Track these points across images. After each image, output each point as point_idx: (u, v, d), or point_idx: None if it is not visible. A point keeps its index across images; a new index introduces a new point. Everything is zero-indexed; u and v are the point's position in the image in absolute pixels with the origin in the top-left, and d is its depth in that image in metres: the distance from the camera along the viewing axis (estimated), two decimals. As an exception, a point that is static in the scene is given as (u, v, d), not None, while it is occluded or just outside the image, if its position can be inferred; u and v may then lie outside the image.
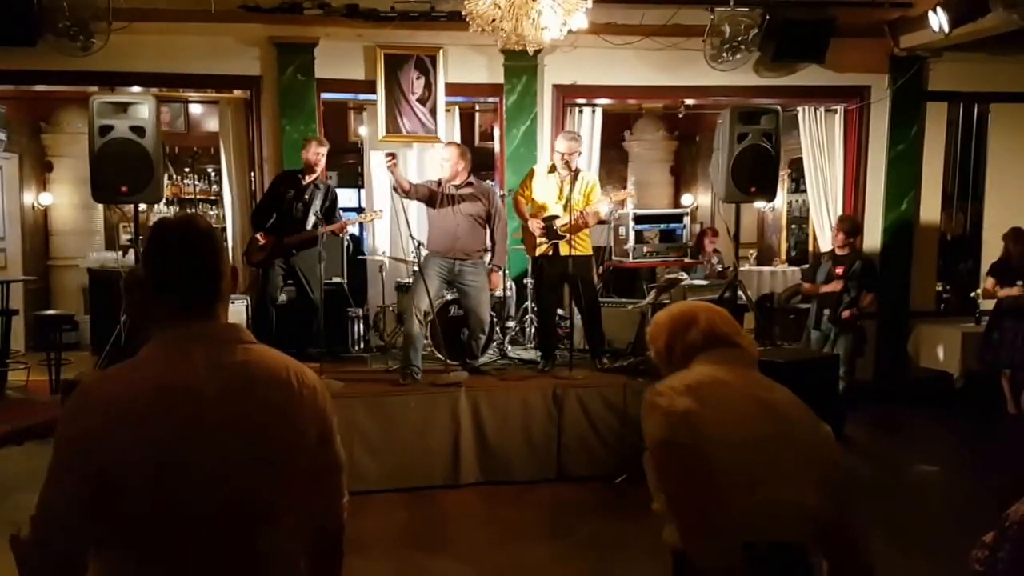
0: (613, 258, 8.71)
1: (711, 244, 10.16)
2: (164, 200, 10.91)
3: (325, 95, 7.71)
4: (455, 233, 6.15)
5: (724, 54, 7.67)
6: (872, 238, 8.35)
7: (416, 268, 6.37)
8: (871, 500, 5.78)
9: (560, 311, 7.14)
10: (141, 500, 1.60)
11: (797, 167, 9.95)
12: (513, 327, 7.43)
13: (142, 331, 1.80)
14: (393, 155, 6.05)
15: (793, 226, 11.93)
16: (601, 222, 7.12)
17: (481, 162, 10.88)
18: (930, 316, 8.46)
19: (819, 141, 8.40)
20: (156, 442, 1.61)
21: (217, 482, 1.65)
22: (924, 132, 8.35)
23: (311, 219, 6.69)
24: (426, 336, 6.79)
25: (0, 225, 9.83)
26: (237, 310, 7.70)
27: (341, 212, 7.15)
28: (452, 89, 7.77)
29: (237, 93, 7.87)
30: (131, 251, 8.96)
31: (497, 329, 6.99)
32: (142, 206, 6.89)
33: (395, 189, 6.16)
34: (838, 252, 7.17)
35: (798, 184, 10.82)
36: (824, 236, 8.44)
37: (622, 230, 8.89)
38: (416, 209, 7.42)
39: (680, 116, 10.55)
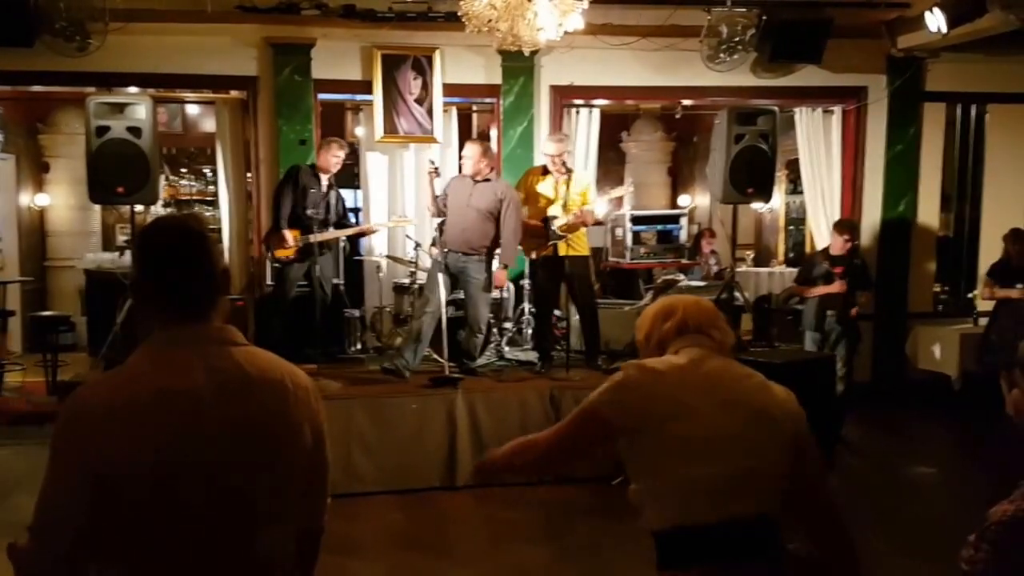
0: (610, 259, 8.72)
1: (708, 245, 10.15)
2: (161, 201, 10.90)
3: (322, 95, 7.70)
4: (462, 225, 6.18)
5: (721, 55, 7.66)
6: (870, 239, 8.35)
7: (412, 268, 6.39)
8: (869, 501, 5.78)
9: (557, 312, 7.14)
10: (141, 505, 1.59)
11: (794, 168, 9.94)
12: (510, 328, 7.42)
13: (139, 334, 1.79)
14: (436, 168, 6.29)
15: (791, 227, 11.93)
16: (597, 223, 7.12)
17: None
18: (928, 317, 8.46)
19: (816, 142, 8.39)
20: (155, 446, 1.60)
21: (218, 484, 1.64)
22: (922, 133, 8.35)
23: (332, 219, 6.80)
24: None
25: (-4, 226, 9.81)
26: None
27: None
28: (449, 90, 7.76)
29: (234, 94, 7.87)
30: (128, 252, 8.94)
31: (495, 330, 6.98)
32: (139, 207, 6.87)
33: (433, 202, 6.30)
34: (834, 253, 7.14)
35: (795, 185, 10.82)
36: (822, 237, 8.43)
37: (619, 231, 8.89)
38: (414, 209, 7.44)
39: (677, 117, 10.55)
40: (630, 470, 2.11)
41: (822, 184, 8.39)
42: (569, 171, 6.39)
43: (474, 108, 10.01)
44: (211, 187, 12.03)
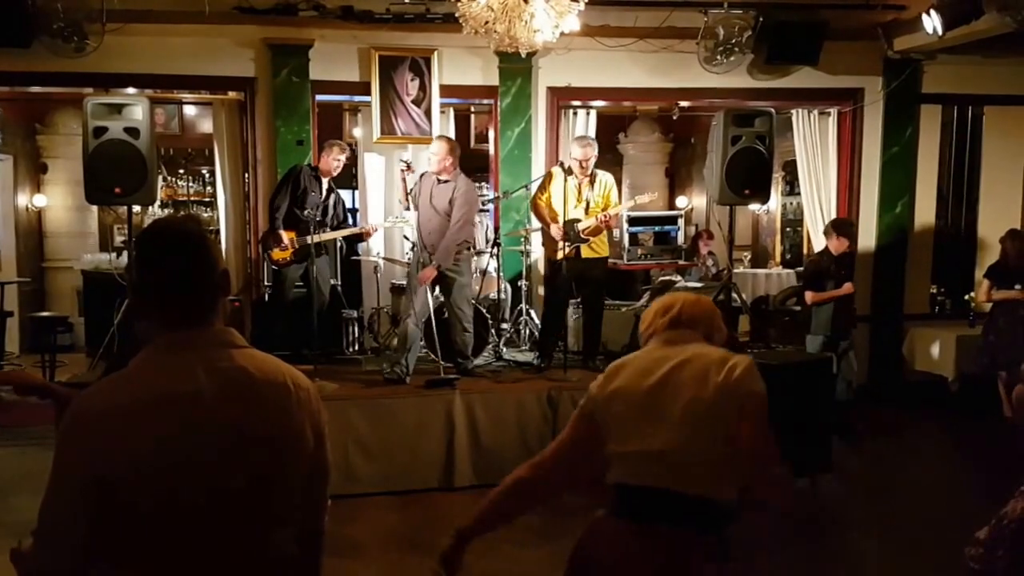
0: (608, 260, 8.71)
1: (706, 246, 10.16)
2: (158, 202, 10.90)
3: (320, 97, 7.70)
4: (428, 227, 6.19)
5: (718, 56, 7.67)
6: (866, 241, 8.36)
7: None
8: (866, 502, 5.80)
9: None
10: (145, 508, 1.59)
11: (791, 170, 9.97)
12: (508, 329, 7.43)
13: (140, 337, 1.80)
14: (408, 164, 6.40)
15: (787, 229, 11.95)
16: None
17: (476, 164, 10.93)
18: (925, 319, 8.47)
19: (813, 143, 8.40)
20: (159, 449, 1.60)
21: (221, 487, 1.64)
22: (918, 135, 8.36)
23: (330, 221, 6.80)
24: (420, 339, 6.79)
25: (-6, 227, 9.80)
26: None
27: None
28: (447, 91, 7.77)
29: (231, 95, 7.87)
30: (125, 253, 8.94)
31: (492, 331, 6.98)
32: (136, 208, 6.87)
33: (406, 198, 6.39)
34: (836, 252, 7.12)
35: (792, 187, 10.85)
36: (818, 238, 8.44)
37: (617, 232, 8.90)
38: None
39: (675, 118, 10.56)
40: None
41: (819, 186, 8.41)
42: (591, 174, 6.43)
43: (472, 109, 10.03)
44: (209, 188, 12.03)
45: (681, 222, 9.01)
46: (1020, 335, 7.24)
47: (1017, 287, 7.15)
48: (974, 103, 8.69)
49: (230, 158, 8.25)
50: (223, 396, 1.67)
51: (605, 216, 6.37)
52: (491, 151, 8.39)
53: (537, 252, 7.79)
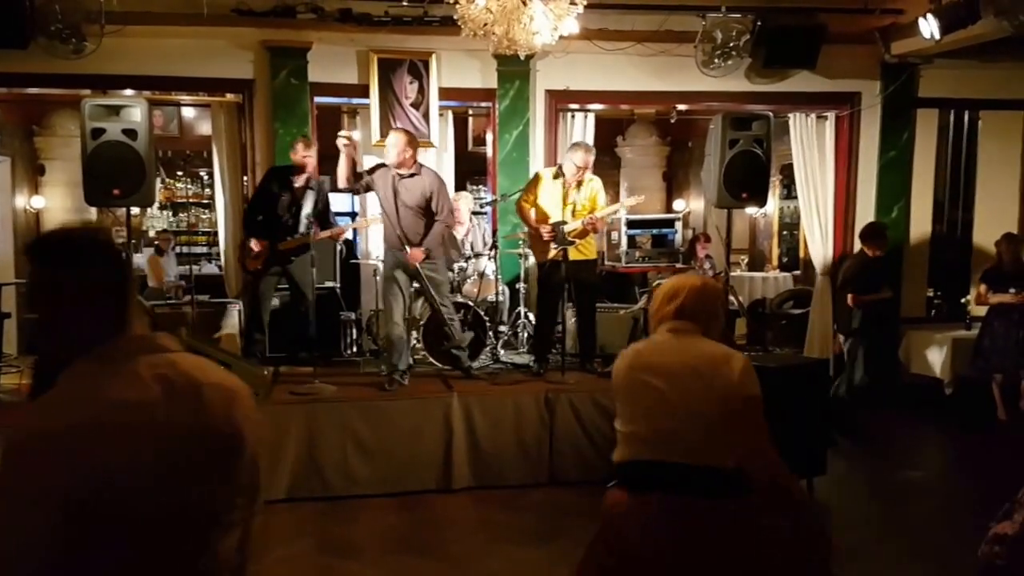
0: (606, 263, 8.73)
1: (703, 250, 10.17)
2: (157, 203, 10.92)
3: (318, 99, 7.71)
4: (400, 226, 6.03)
5: (716, 60, 7.70)
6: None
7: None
8: (862, 504, 5.80)
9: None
10: (104, 522, 1.54)
11: (788, 173, 9.99)
12: (506, 331, 7.43)
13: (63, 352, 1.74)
14: (349, 138, 6.06)
15: (785, 232, 11.99)
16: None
17: (474, 167, 10.96)
18: (921, 322, 8.50)
19: (810, 147, 8.42)
20: (128, 462, 1.55)
21: (178, 490, 1.60)
22: (915, 139, 8.39)
23: (303, 222, 6.61)
24: (418, 340, 6.80)
25: (-8, 228, 9.79)
26: (230, 315, 7.69)
27: (335, 217, 7.08)
28: (445, 94, 7.78)
29: (230, 97, 7.87)
30: (123, 255, 8.93)
31: (490, 333, 6.99)
32: (135, 209, 6.86)
33: (351, 178, 6.08)
34: (872, 256, 7.15)
35: (789, 190, 10.88)
36: (815, 242, 8.46)
37: (615, 235, 8.92)
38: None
39: (672, 122, 10.56)
40: None
41: (816, 189, 8.43)
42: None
43: (470, 112, 10.04)
44: (207, 190, 12.06)
45: (679, 225, 9.05)
46: (1015, 338, 7.27)
47: (1012, 290, 7.18)
48: (970, 107, 8.73)
49: (229, 160, 8.23)
50: (173, 402, 1.63)
51: (592, 219, 6.36)
52: (489, 154, 8.41)
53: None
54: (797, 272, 11.23)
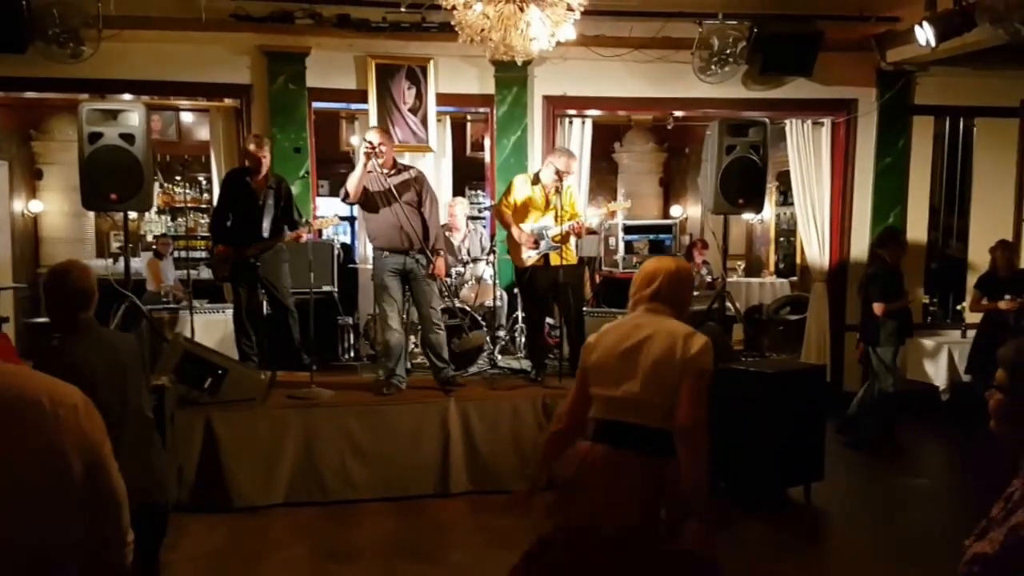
0: (603, 268, 8.75)
1: (700, 255, 10.21)
2: (155, 208, 10.92)
3: (316, 104, 7.72)
4: (399, 224, 5.94)
5: (712, 67, 7.72)
6: (859, 251, 8.40)
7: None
8: (859, 509, 5.82)
9: (550, 320, 7.16)
10: None
11: (785, 180, 10.02)
12: (503, 337, 7.44)
13: None
14: (372, 143, 5.89)
15: (781, 238, 12.01)
16: (591, 232, 7.14)
17: (472, 172, 10.98)
18: (917, 328, 8.50)
19: (807, 154, 8.44)
20: None
21: None
22: (911, 146, 8.41)
23: (266, 223, 6.34)
24: (416, 344, 6.80)
25: (-11, 232, 9.79)
26: (223, 322, 7.67)
27: (299, 209, 6.70)
28: (443, 99, 7.79)
29: (228, 102, 7.88)
30: (121, 259, 8.93)
31: (487, 339, 7.00)
32: (132, 214, 6.86)
33: (357, 193, 5.98)
34: (893, 262, 7.14)
35: (786, 196, 10.90)
36: (812, 248, 8.47)
37: (612, 240, 8.94)
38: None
39: (669, 128, 10.63)
40: None
41: (812, 195, 8.44)
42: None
43: (468, 118, 10.07)
44: (206, 195, 12.05)
45: (675, 231, 9.06)
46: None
47: (1006, 297, 7.20)
48: (966, 115, 8.76)
49: (227, 165, 8.22)
50: None
51: (579, 223, 6.36)
52: (487, 159, 8.42)
53: (533, 259, 7.79)
54: (794, 278, 11.26)
